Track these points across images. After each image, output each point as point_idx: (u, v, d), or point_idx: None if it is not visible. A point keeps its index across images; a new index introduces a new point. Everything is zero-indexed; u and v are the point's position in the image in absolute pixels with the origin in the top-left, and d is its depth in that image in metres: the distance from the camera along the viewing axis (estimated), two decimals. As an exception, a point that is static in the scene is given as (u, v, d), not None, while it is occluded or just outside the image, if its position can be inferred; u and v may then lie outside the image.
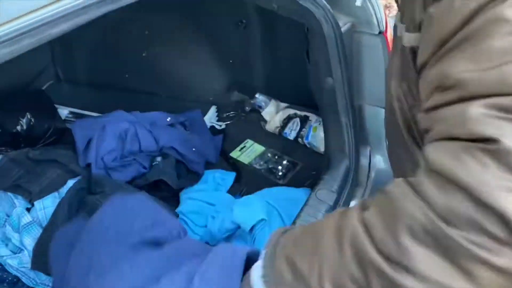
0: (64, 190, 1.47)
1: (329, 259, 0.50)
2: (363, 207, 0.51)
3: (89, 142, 1.48)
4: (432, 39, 0.51)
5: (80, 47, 2.05)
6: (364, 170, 1.32)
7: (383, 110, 1.33)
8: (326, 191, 1.21)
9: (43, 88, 2.11)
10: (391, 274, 0.44)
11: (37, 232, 1.35)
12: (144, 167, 1.53)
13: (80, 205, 1.41)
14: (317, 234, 0.53)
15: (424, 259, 0.43)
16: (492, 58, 0.44)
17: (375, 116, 1.32)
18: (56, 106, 1.95)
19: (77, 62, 2.09)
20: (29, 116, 1.73)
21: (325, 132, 1.37)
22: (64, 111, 1.98)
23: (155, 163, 1.55)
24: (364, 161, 1.32)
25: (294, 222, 1.13)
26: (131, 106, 1.81)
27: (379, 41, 1.24)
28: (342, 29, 1.19)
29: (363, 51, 1.27)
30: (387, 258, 0.45)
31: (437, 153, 0.46)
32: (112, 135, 1.48)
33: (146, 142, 1.53)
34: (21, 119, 1.72)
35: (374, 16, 1.22)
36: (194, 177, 1.64)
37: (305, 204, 1.17)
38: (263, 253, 0.59)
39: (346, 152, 1.31)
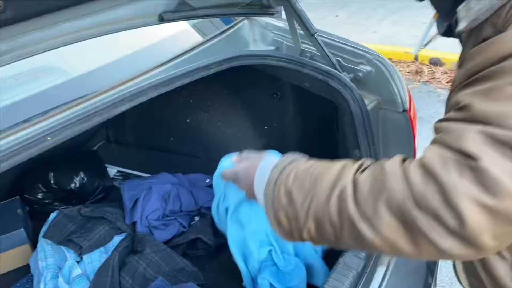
0: (110, 245, 1.60)
1: (318, 200, 0.66)
2: (360, 168, 0.67)
3: (135, 201, 1.62)
4: (464, 72, 0.65)
5: (130, 112, 2.26)
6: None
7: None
8: (353, 257, 1.28)
9: (95, 148, 2.32)
10: (359, 226, 0.61)
11: (86, 285, 1.47)
12: (184, 226, 1.65)
13: (121, 264, 1.53)
14: (317, 178, 0.69)
15: (389, 223, 0.59)
16: (500, 97, 0.56)
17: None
18: (106, 165, 2.14)
19: (127, 125, 2.29)
20: (82, 175, 1.91)
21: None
22: (112, 170, 2.16)
23: (193, 222, 1.67)
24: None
25: (324, 285, 1.20)
26: (173, 167, 1.96)
27: (403, 118, 1.35)
28: (368, 107, 1.31)
29: (388, 127, 1.37)
30: (362, 214, 0.61)
31: (431, 153, 0.59)
32: (157, 196, 1.62)
33: (187, 203, 1.66)
34: (75, 177, 1.90)
35: (398, 95, 1.34)
36: (229, 236, 1.74)
37: (333, 270, 1.24)
38: (269, 172, 0.77)
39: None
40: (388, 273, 1.29)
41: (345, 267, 1.26)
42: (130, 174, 2.14)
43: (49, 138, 0.99)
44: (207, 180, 1.79)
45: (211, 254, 1.68)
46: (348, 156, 1.40)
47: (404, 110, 1.34)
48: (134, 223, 1.65)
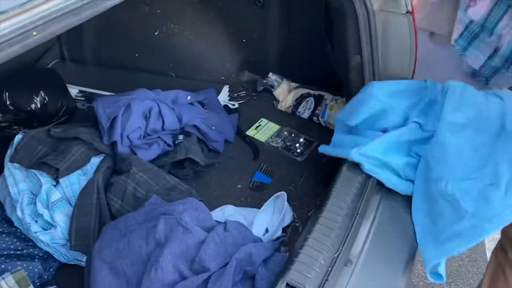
0: (88, 167, 1.47)
1: None
2: None
3: (113, 119, 1.48)
4: None
5: (87, 25, 2.01)
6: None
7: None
8: (357, 164, 1.27)
9: (48, 67, 2.07)
10: None
11: (67, 208, 1.36)
12: (169, 145, 1.55)
13: (106, 185, 1.42)
14: None
15: None
16: None
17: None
18: (65, 85, 1.93)
19: (84, 41, 2.05)
20: (42, 94, 1.70)
21: (350, 109, 1.41)
22: (73, 90, 1.95)
23: (178, 141, 1.57)
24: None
25: (330, 193, 1.18)
26: (141, 86, 1.81)
27: (406, 20, 1.29)
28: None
29: (390, 30, 1.31)
30: None
31: None
32: (137, 113, 1.48)
33: (170, 121, 1.54)
34: (35, 97, 1.69)
35: (401, -5, 1.27)
36: (214, 155, 1.67)
37: (339, 176, 1.22)
38: None
39: (372, 128, 1.36)
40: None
41: (350, 174, 1.24)
42: (94, 94, 1.96)
43: (35, 33, 0.83)
44: (188, 97, 1.67)
45: (197, 173, 1.61)
46: (347, 63, 1.34)
47: (408, 12, 1.28)
48: (112, 144, 1.51)
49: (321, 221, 1.11)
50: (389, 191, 1.25)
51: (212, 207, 1.50)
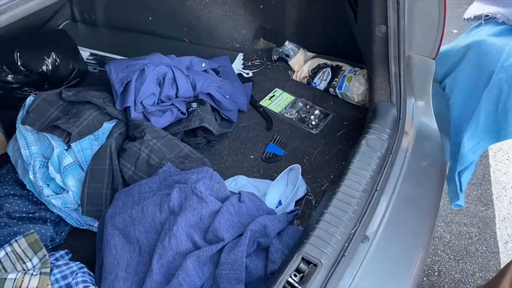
0: (100, 132, 1.45)
1: None
2: None
3: (126, 84, 1.44)
4: None
5: (99, -14, 1.96)
6: (409, 120, 1.33)
7: (430, 60, 1.34)
8: (376, 139, 1.23)
9: (59, 28, 2.02)
10: None
11: (79, 173, 1.34)
12: (182, 113, 1.51)
13: (119, 151, 1.40)
14: None
15: None
16: None
17: (423, 66, 1.32)
18: (76, 47, 1.88)
19: (96, 2, 1.99)
20: (54, 56, 1.67)
21: (371, 82, 1.37)
22: (84, 53, 1.91)
23: (191, 109, 1.53)
24: (409, 111, 1.34)
25: (348, 167, 1.15)
26: (153, 51, 1.76)
27: (436, -10, 1.22)
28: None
29: (417, 2, 1.25)
30: None
31: None
32: (151, 79, 1.44)
33: (184, 88, 1.50)
34: (46, 58, 1.65)
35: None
36: (227, 124, 1.63)
37: (358, 151, 1.19)
38: None
39: (394, 101, 1.32)
40: (408, 154, 1.26)
41: (369, 149, 1.21)
42: (105, 57, 1.91)
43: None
44: (203, 64, 1.62)
45: (210, 142, 1.58)
46: (372, 34, 1.28)
47: (439, -18, 1.22)
48: (125, 109, 1.48)
49: (339, 196, 1.08)
50: (409, 168, 1.22)
51: (224, 177, 1.48)
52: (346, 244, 1.00)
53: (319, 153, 1.57)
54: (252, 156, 1.57)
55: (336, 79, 1.73)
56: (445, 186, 1.41)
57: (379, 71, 1.32)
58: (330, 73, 1.76)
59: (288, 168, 1.41)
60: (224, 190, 1.18)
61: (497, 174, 2.37)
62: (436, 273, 1.96)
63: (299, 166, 1.38)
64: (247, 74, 1.87)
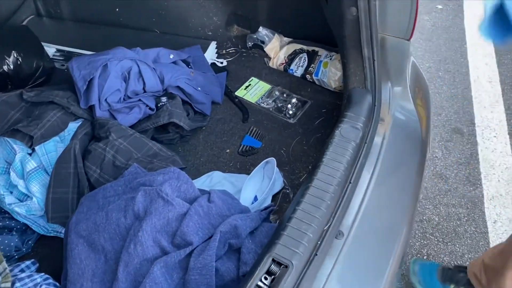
0: (65, 134, 1.38)
1: None
2: None
3: (89, 81, 1.37)
4: None
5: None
6: (384, 106, 1.28)
7: (406, 42, 1.28)
8: (350, 128, 1.18)
9: (23, 23, 1.93)
10: None
11: (44, 178, 1.28)
12: (151, 109, 1.45)
13: (84, 153, 1.33)
14: None
15: None
16: None
17: (398, 48, 1.26)
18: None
19: (60, -5, 1.90)
20: (15, 55, 1.58)
21: (344, 67, 1.30)
22: (50, 49, 1.83)
23: (161, 104, 1.47)
24: (385, 96, 1.28)
25: (321, 160, 1.10)
26: (124, 44, 1.68)
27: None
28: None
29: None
30: None
31: None
32: (115, 74, 1.37)
33: (151, 82, 1.43)
34: (7, 58, 1.57)
35: None
36: (201, 118, 1.57)
37: (331, 142, 1.14)
38: None
39: (368, 87, 1.26)
40: (385, 142, 1.21)
41: (343, 139, 1.15)
42: (72, 53, 1.83)
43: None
44: (171, 56, 1.54)
45: (183, 137, 1.52)
46: (342, 17, 1.22)
47: (410, -42, 1.14)
48: (91, 108, 1.42)
49: (311, 191, 1.03)
50: (386, 157, 1.17)
51: (199, 173, 1.43)
52: (319, 242, 0.95)
53: (297, 144, 1.51)
54: (228, 150, 1.52)
55: (312, 65, 1.67)
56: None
57: (352, 56, 1.26)
58: (306, 59, 1.69)
59: (264, 161, 1.35)
60: (193, 191, 1.13)
61: (485, 152, 2.33)
62: (425, 257, 1.93)
63: (274, 160, 1.32)
64: (221, 63, 1.80)
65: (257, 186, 1.34)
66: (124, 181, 1.16)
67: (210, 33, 1.85)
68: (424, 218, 2.08)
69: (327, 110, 1.60)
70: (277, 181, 1.34)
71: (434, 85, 2.73)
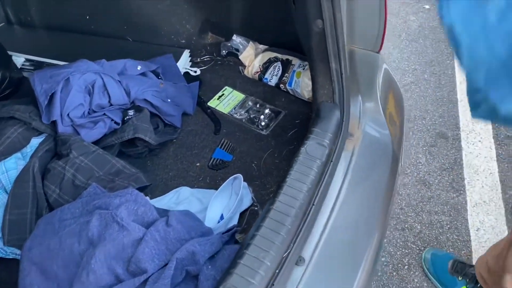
0: (27, 150, 1.34)
1: None
2: None
3: (51, 96, 1.32)
4: None
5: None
6: (354, 121, 1.24)
7: (374, 54, 1.24)
8: (316, 145, 1.13)
9: (-8, 32, 1.88)
10: None
11: (3, 197, 1.24)
12: (116, 123, 1.40)
13: (44, 171, 1.28)
14: None
15: None
16: None
17: (367, 61, 1.22)
18: (10, 53, 1.75)
19: (31, 2, 1.85)
20: (-21, 67, 1.53)
21: (313, 80, 1.26)
22: (19, 59, 1.78)
23: (127, 117, 1.42)
24: (355, 111, 1.23)
25: (284, 180, 1.06)
26: (95, 52, 1.64)
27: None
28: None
29: (356, -10, 1.13)
30: None
31: None
32: (77, 88, 1.32)
33: (116, 95, 1.38)
34: (-31, 70, 1.52)
35: None
36: (171, 131, 1.53)
37: (296, 161, 1.09)
38: None
39: (337, 101, 1.21)
40: (354, 158, 1.17)
41: (308, 157, 1.11)
42: (43, 63, 1.78)
43: None
44: (139, 67, 1.50)
45: (153, 151, 1.47)
46: (308, 29, 1.17)
47: (377, -31, 1.10)
48: (54, 123, 1.37)
49: (272, 215, 0.99)
50: (354, 175, 1.13)
51: (167, 188, 1.39)
52: (278, 270, 0.91)
53: (269, 156, 1.47)
54: (198, 164, 1.47)
55: (286, 74, 1.62)
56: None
57: (320, 68, 1.21)
58: (280, 68, 1.64)
59: (232, 177, 1.31)
60: (151, 214, 1.08)
61: (469, 157, 2.29)
62: (406, 267, 1.90)
63: (241, 176, 1.28)
64: (195, 72, 1.75)
65: (224, 204, 1.30)
66: (81, 203, 1.12)
67: (183, 41, 1.80)
68: (406, 226, 2.04)
69: (300, 121, 1.55)
70: (245, 198, 1.30)
71: (419, 88, 2.69)
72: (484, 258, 1.47)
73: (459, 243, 1.97)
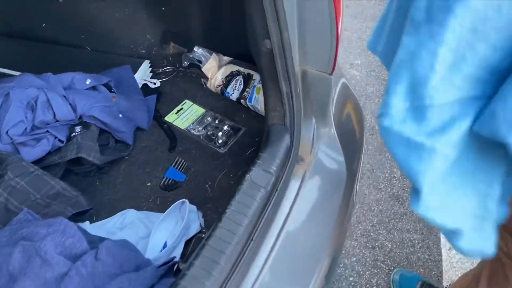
0: (-36, 169, 1.26)
1: None
2: None
3: (-11, 112, 1.25)
4: None
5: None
6: (307, 145, 1.17)
7: (327, 76, 1.16)
8: (262, 172, 1.06)
9: None
10: None
11: None
12: (61, 140, 1.32)
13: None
14: None
15: None
16: None
17: (320, 82, 1.14)
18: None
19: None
20: None
21: (265, 101, 1.19)
22: (-33, 68, 1.69)
23: (74, 134, 1.35)
24: (307, 135, 1.17)
25: (224, 212, 0.99)
26: (49, 62, 1.56)
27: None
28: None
29: (306, 8, 1.06)
30: None
31: None
32: (18, 104, 1.24)
33: (61, 111, 1.31)
34: None
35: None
36: (123, 147, 1.45)
37: (239, 189, 1.03)
38: None
39: (288, 125, 1.15)
40: (304, 185, 1.10)
41: (252, 186, 1.04)
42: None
43: None
44: (88, 81, 1.42)
45: (102, 169, 1.40)
46: (258, 47, 1.10)
47: (327, -13, 1.03)
48: (-6, 140, 1.29)
49: (205, 251, 0.92)
50: (301, 205, 1.06)
51: (114, 210, 1.31)
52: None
53: (224, 177, 1.40)
54: (149, 184, 1.40)
55: (247, 89, 1.55)
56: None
57: (271, 90, 1.14)
58: (242, 82, 1.57)
59: (179, 201, 1.24)
60: (80, 245, 1.01)
61: (444, 172, 2.23)
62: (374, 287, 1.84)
63: (187, 201, 1.21)
64: (154, 84, 1.67)
65: (169, 230, 1.22)
66: (9, 231, 1.04)
67: (143, 51, 1.72)
68: (376, 244, 1.98)
69: (260, 139, 1.48)
70: (193, 224, 1.23)
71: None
72: None
73: (430, 263, 1.91)
